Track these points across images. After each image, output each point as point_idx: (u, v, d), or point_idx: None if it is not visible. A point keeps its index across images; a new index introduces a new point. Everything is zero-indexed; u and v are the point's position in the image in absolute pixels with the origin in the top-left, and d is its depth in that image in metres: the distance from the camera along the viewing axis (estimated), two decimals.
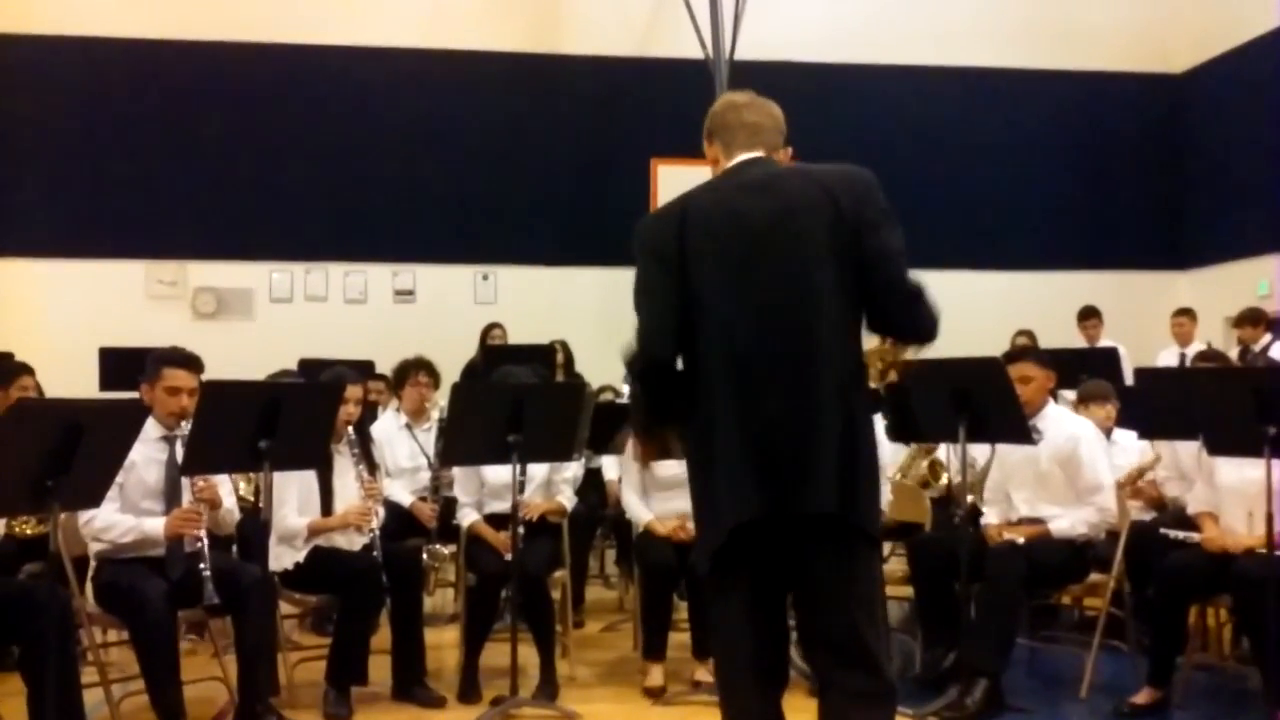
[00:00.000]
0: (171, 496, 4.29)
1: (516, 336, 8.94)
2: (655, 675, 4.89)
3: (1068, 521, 4.75)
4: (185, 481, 4.29)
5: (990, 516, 4.92)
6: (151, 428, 4.23)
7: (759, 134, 2.80)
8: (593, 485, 6.60)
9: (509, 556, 4.70)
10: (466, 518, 5.15)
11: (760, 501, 2.61)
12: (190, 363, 4.44)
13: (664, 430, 2.94)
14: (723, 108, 2.86)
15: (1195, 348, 9.01)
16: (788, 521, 2.62)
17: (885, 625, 2.83)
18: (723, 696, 2.81)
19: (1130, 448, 5.72)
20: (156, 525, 4.20)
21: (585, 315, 9.88)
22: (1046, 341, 8.56)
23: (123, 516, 4.21)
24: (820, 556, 2.65)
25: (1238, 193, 11.11)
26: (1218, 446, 4.35)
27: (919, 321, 2.70)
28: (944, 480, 5.66)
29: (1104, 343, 9.24)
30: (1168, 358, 9.21)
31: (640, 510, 5.21)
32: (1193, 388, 4.74)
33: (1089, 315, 9.77)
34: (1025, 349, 5.72)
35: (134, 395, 4.69)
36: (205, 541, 4.14)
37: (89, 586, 4.28)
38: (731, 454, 2.63)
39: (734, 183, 2.74)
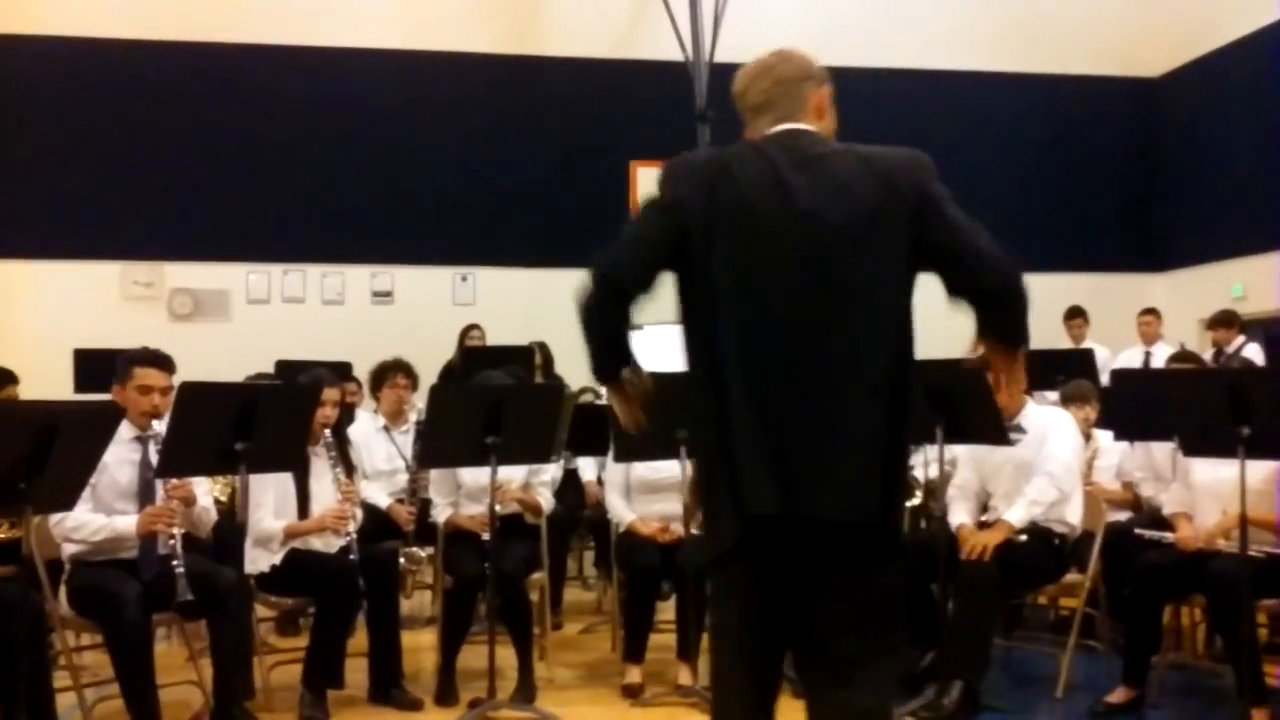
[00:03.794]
0: (145, 497, 4.26)
1: (495, 338, 8.91)
2: (634, 676, 4.89)
3: (1021, 507, 4.73)
4: (159, 483, 4.25)
5: (958, 515, 4.90)
6: (124, 429, 4.21)
7: (772, 108, 2.55)
8: (571, 486, 6.60)
9: (486, 536, 4.68)
10: (442, 513, 5.15)
11: (776, 499, 2.36)
12: (161, 361, 4.42)
13: (621, 366, 2.59)
14: (734, 92, 2.63)
15: (1160, 347, 9.11)
16: (804, 527, 2.38)
17: (899, 644, 2.64)
18: (715, 697, 2.67)
19: (1110, 448, 5.76)
20: (129, 523, 4.17)
21: (564, 317, 9.65)
22: None
23: (94, 515, 4.18)
24: (837, 568, 2.43)
25: (1213, 196, 11.21)
26: (1192, 447, 4.38)
27: (1015, 320, 2.56)
28: (918, 497, 5.70)
29: (1088, 343, 9.29)
30: (1131, 356, 9.28)
31: (623, 511, 5.22)
32: (1167, 389, 4.77)
33: (1074, 315, 9.81)
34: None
35: (108, 397, 4.65)
36: (179, 539, 4.12)
37: (62, 590, 4.25)
38: (747, 447, 2.37)
39: (780, 153, 2.46)
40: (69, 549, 4.24)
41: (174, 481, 4.23)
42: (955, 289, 2.46)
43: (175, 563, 4.06)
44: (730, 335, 2.41)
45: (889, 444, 2.41)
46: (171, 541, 4.12)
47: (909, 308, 2.48)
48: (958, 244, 2.43)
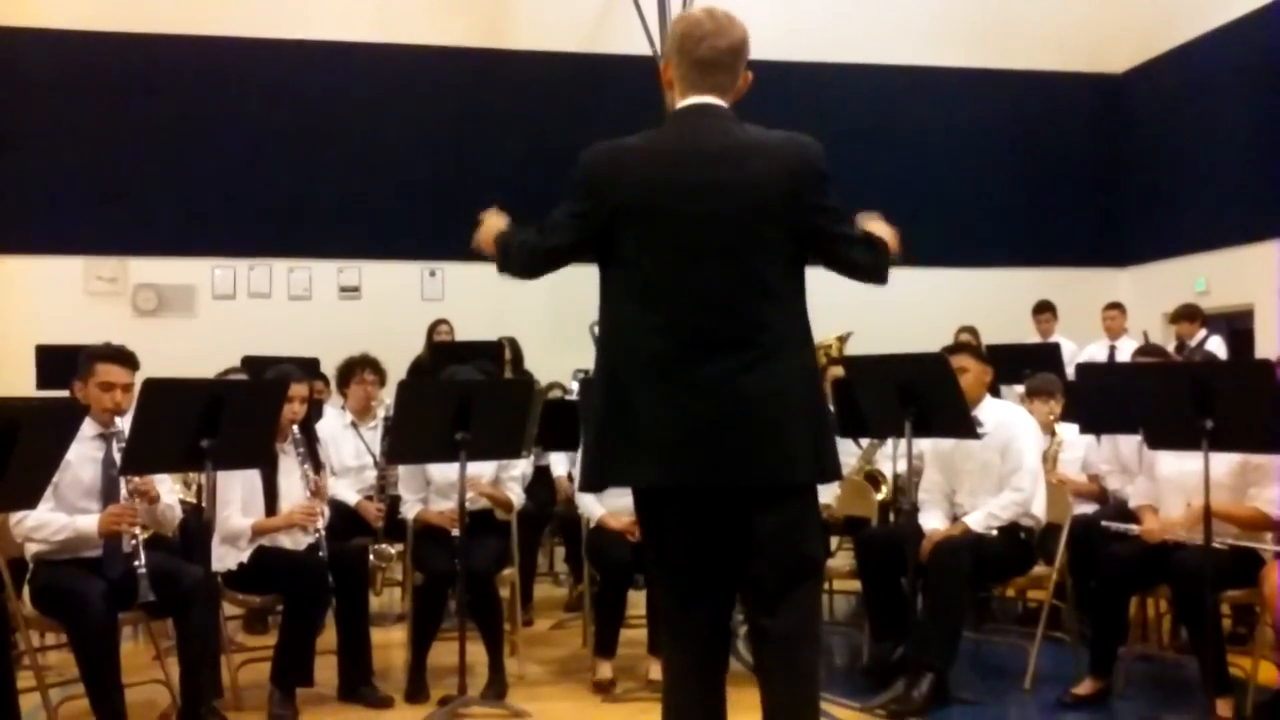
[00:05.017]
0: (108, 495, 4.22)
1: (464, 333, 8.88)
2: (605, 671, 4.89)
3: (983, 513, 4.78)
4: (122, 480, 4.21)
5: (930, 520, 4.93)
6: (87, 426, 4.15)
7: (713, 73, 2.70)
8: (542, 482, 6.59)
9: (456, 532, 4.67)
10: (412, 510, 5.13)
11: (693, 470, 2.60)
12: (123, 357, 4.37)
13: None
14: (681, 32, 2.73)
15: (1125, 341, 9.20)
16: (726, 491, 2.63)
17: (821, 579, 2.90)
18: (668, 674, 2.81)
19: (1075, 441, 5.81)
20: (90, 522, 4.12)
21: (533, 312, 9.84)
22: (991, 338, 8.67)
23: (55, 515, 4.12)
24: (762, 518, 2.65)
25: (1176, 191, 11.32)
26: (1157, 440, 4.42)
27: (870, 273, 2.81)
28: (884, 492, 5.73)
29: (1056, 338, 9.37)
30: (1096, 351, 9.37)
31: (593, 506, 5.21)
32: (1132, 382, 4.81)
33: (1043, 310, 9.88)
34: (960, 344, 5.81)
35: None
36: (140, 538, 4.08)
37: (25, 589, 4.20)
38: (659, 420, 2.61)
39: (684, 145, 2.68)
40: (32, 548, 4.19)
41: (136, 480, 4.18)
42: (822, 262, 2.76)
43: (137, 563, 4.02)
44: (649, 316, 2.64)
45: (807, 408, 2.64)
46: (134, 541, 4.08)
47: (802, 285, 2.72)
48: (830, 237, 2.72)
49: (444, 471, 4.99)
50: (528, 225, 2.89)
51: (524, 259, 2.85)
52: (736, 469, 2.59)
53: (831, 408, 5.81)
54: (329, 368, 6.86)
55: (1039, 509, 4.89)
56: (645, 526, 2.83)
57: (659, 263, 2.64)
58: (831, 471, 2.72)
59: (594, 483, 2.81)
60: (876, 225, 2.92)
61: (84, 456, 4.20)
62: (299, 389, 4.85)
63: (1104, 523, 4.91)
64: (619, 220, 2.66)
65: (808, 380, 2.68)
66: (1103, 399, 5.37)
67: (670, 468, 2.61)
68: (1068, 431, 5.81)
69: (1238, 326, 10.43)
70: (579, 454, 5.40)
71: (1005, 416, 4.99)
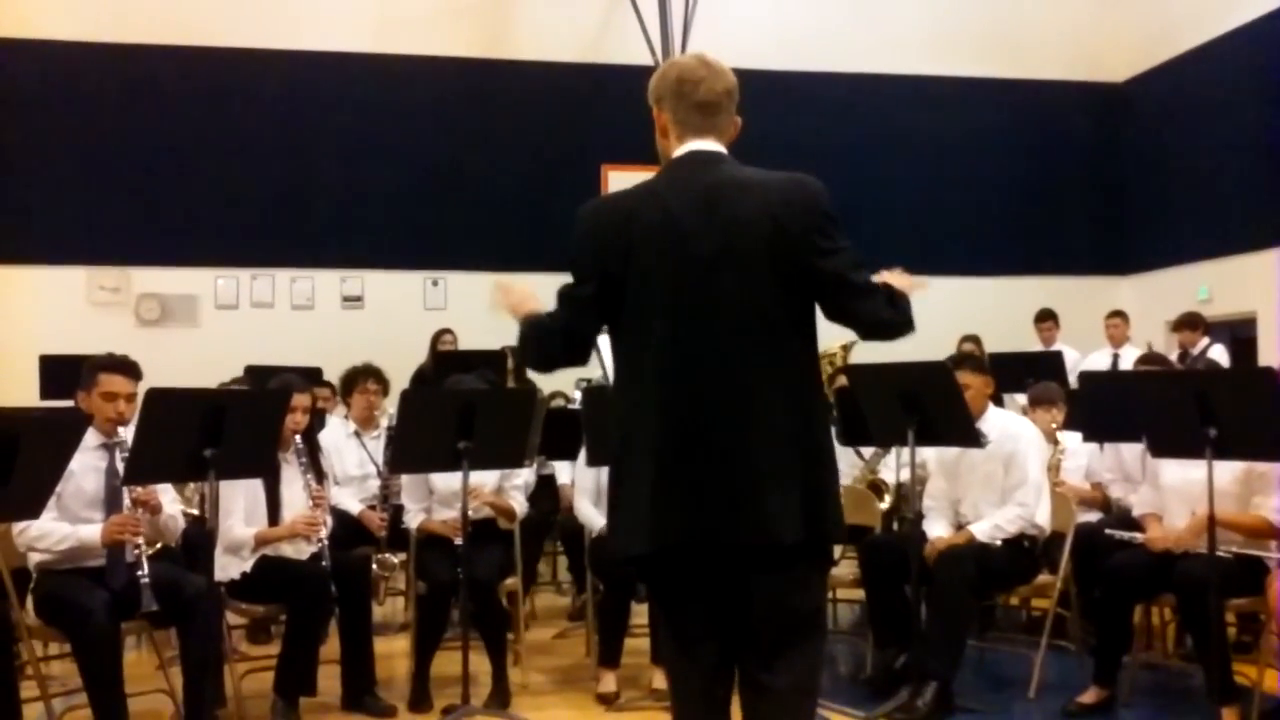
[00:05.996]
0: (111, 505, 4.22)
1: (467, 342, 8.87)
2: (609, 681, 4.89)
3: (989, 524, 4.79)
4: (125, 491, 4.21)
5: (935, 528, 4.93)
6: (90, 436, 4.17)
7: (713, 115, 2.65)
8: (544, 491, 6.58)
9: (459, 541, 4.66)
10: (415, 519, 5.13)
11: (692, 529, 2.52)
12: (127, 368, 4.38)
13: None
14: (676, 78, 2.67)
15: (1128, 349, 9.19)
16: (725, 549, 2.54)
17: (822, 637, 2.74)
18: (674, 704, 2.77)
19: (1078, 450, 5.80)
20: (93, 532, 4.13)
21: None
22: (993, 346, 8.67)
23: (58, 524, 4.13)
24: (758, 578, 2.56)
25: (1178, 199, 11.33)
26: (1160, 448, 4.42)
27: (892, 329, 2.64)
28: (887, 501, 5.72)
29: (1058, 346, 9.37)
30: (1099, 359, 9.36)
31: (594, 516, 5.21)
32: (1135, 391, 4.81)
33: (1045, 318, 9.87)
34: (961, 356, 5.77)
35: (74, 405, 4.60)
36: (143, 548, 4.08)
37: (29, 598, 4.20)
38: (662, 477, 2.53)
39: (681, 193, 2.59)
40: (35, 557, 4.19)
41: (139, 490, 4.19)
42: (835, 318, 2.63)
43: (140, 573, 4.03)
44: (650, 371, 2.57)
45: (805, 464, 2.53)
46: (137, 551, 4.08)
47: (812, 334, 2.62)
48: (837, 286, 2.58)
49: (447, 481, 4.99)
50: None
51: (538, 346, 2.78)
52: (729, 527, 2.50)
53: (835, 415, 5.83)
54: (332, 377, 6.87)
55: (1043, 519, 4.89)
56: (646, 576, 2.78)
57: (661, 315, 2.56)
58: (827, 532, 2.58)
59: (625, 548, 2.67)
60: (898, 279, 2.77)
61: (87, 466, 4.21)
62: (301, 399, 4.86)
63: (1108, 531, 4.91)
64: (622, 274, 2.58)
65: (810, 434, 2.56)
66: (1105, 407, 5.37)
67: (667, 526, 2.53)
68: (1070, 440, 5.81)
69: (1240, 334, 10.43)
70: (580, 461, 5.43)
71: (1009, 427, 4.98)
